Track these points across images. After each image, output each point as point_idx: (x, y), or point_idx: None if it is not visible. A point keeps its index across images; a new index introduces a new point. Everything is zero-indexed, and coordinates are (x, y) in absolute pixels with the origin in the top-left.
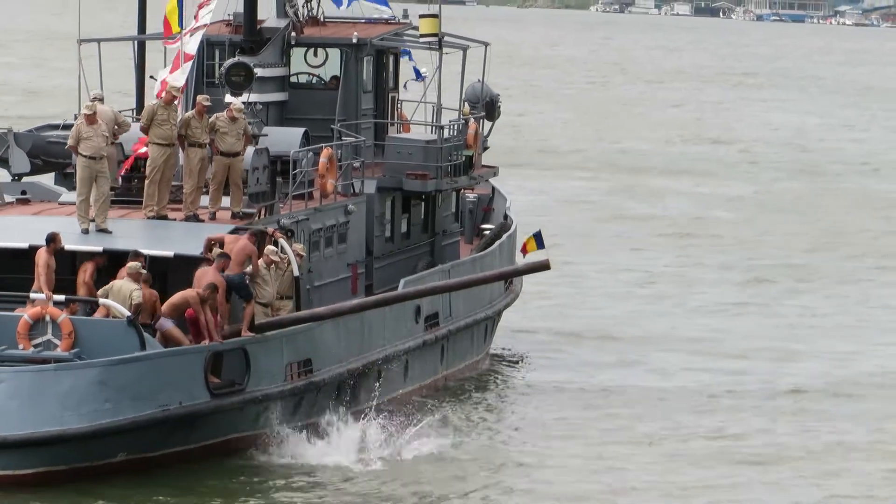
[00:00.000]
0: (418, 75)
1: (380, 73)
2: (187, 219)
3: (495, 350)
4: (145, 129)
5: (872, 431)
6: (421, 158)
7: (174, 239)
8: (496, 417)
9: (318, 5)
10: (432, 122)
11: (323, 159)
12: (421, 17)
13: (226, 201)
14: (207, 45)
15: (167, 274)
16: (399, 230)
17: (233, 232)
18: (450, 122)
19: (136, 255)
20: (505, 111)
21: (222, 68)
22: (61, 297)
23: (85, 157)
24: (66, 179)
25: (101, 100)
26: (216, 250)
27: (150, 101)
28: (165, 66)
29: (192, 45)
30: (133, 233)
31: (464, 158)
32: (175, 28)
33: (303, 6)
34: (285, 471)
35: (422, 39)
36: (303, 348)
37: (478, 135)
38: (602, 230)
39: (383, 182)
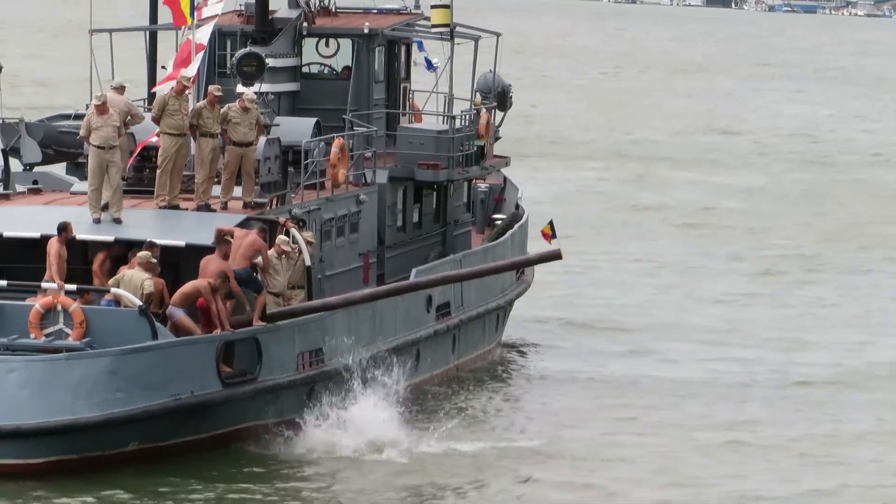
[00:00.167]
0: (430, 65)
1: (391, 63)
2: (199, 208)
3: (507, 340)
4: (157, 119)
5: (882, 421)
6: (433, 148)
7: (186, 228)
8: (507, 407)
9: None
10: (444, 112)
11: (335, 149)
12: (433, 7)
13: (237, 191)
14: (219, 36)
15: (179, 263)
16: (411, 220)
17: (244, 222)
18: (461, 112)
19: (151, 246)
20: (516, 101)
21: (234, 58)
22: (73, 287)
23: (95, 146)
24: (78, 169)
25: (123, 89)
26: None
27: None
28: (175, 51)
29: (203, 35)
30: (145, 222)
31: (475, 148)
32: (188, 19)
33: None
34: (297, 460)
35: (433, 30)
36: (314, 338)
37: (489, 125)
38: (613, 220)
39: (395, 172)
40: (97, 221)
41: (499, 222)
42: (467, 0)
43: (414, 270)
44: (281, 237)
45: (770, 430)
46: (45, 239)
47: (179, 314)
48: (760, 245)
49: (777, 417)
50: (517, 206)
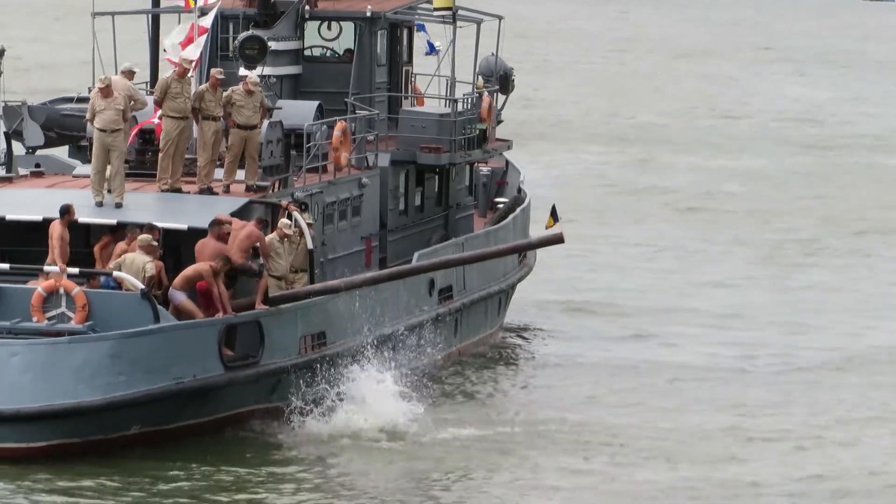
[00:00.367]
0: (432, 49)
1: (394, 46)
2: (201, 192)
3: (509, 323)
4: (159, 103)
5: (886, 405)
6: (435, 132)
7: (188, 212)
8: (508, 391)
9: None
10: (446, 95)
11: (337, 132)
12: None
13: (240, 174)
14: (221, 19)
15: (181, 247)
16: (413, 203)
17: (246, 205)
18: (463, 95)
19: (151, 228)
20: (518, 85)
21: (236, 42)
22: (75, 270)
23: (98, 129)
24: (80, 152)
25: (132, 74)
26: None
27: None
28: (176, 30)
29: (206, 18)
30: (147, 206)
31: (477, 132)
32: (191, 2)
33: None
34: (298, 444)
35: (436, 13)
36: (317, 321)
37: (491, 108)
38: (615, 204)
39: (397, 155)
40: (99, 205)
41: (501, 206)
42: None
43: (416, 254)
44: (283, 220)
45: (771, 414)
46: (47, 222)
47: (181, 297)
48: (762, 229)
49: (778, 401)
50: (519, 190)
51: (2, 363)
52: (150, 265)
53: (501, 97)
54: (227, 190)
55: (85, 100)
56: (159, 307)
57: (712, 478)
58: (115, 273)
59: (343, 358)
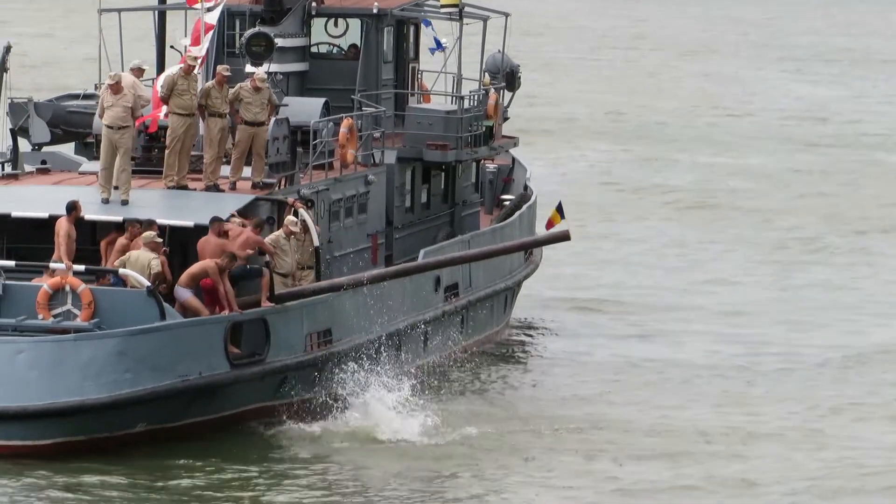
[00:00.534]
0: (438, 45)
1: (400, 43)
2: (207, 189)
3: (515, 320)
4: (165, 99)
5: (886, 402)
6: (441, 129)
7: (194, 209)
8: (514, 388)
9: None
10: (452, 92)
11: (343, 129)
12: None
13: (246, 171)
14: (228, 15)
15: (187, 244)
16: (419, 200)
17: (252, 202)
18: (470, 92)
19: (150, 224)
20: (525, 82)
21: (243, 38)
22: (81, 267)
23: (106, 126)
24: (87, 149)
25: (141, 72)
26: (234, 220)
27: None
28: (186, 35)
29: (212, 15)
30: (153, 203)
31: (484, 129)
32: None
33: None
34: (306, 441)
35: (442, 10)
36: (323, 318)
37: (498, 105)
38: (621, 201)
39: (403, 152)
40: (105, 202)
41: (507, 203)
42: None
43: (422, 251)
44: (289, 217)
45: (774, 412)
46: (53, 219)
47: (187, 295)
48: (765, 227)
49: (781, 398)
50: (525, 187)
51: (7, 360)
52: (156, 262)
53: (508, 94)
54: (233, 187)
55: (91, 97)
56: (165, 304)
57: (715, 475)
58: (121, 270)
59: (348, 355)
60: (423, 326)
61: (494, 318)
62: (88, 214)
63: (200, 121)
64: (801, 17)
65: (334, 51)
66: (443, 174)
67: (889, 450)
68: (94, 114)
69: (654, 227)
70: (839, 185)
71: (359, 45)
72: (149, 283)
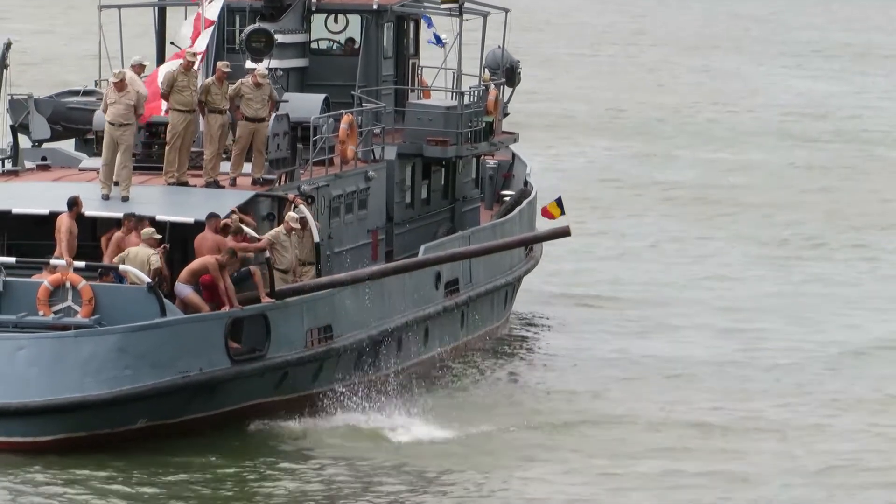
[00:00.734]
0: (438, 41)
1: (400, 39)
2: (207, 185)
3: (515, 316)
4: (165, 96)
5: (886, 397)
6: (441, 125)
7: (194, 205)
8: (515, 384)
9: None
10: (452, 88)
11: (343, 125)
12: None
13: (246, 167)
14: (228, 12)
15: (187, 240)
16: (419, 196)
17: (252, 198)
18: (470, 88)
19: (140, 220)
20: (525, 77)
21: (243, 34)
22: (81, 264)
23: (108, 122)
24: (87, 145)
25: (142, 68)
26: (234, 215)
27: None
28: (185, 22)
29: (212, 11)
30: (153, 199)
31: (484, 125)
32: None
33: None
34: (306, 437)
35: (442, 6)
36: (323, 314)
37: (498, 101)
38: (621, 197)
39: (403, 148)
40: (106, 198)
41: (507, 199)
42: None
43: (422, 247)
44: (290, 214)
45: (773, 407)
46: (53, 215)
47: (187, 291)
48: (765, 222)
49: (780, 394)
50: (526, 183)
51: (8, 357)
52: (156, 258)
53: (508, 90)
54: (233, 183)
55: (91, 93)
56: (165, 301)
57: (714, 470)
58: (121, 267)
59: (349, 351)
60: (423, 322)
61: (495, 314)
62: (89, 211)
63: (201, 117)
64: (802, 13)
65: (334, 47)
66: (443, 170)
67: (888, 445)
68: (94, 110)
69: (654, 222)
70: (839, 181)
71: (356, 40)
72: (149, 280)
